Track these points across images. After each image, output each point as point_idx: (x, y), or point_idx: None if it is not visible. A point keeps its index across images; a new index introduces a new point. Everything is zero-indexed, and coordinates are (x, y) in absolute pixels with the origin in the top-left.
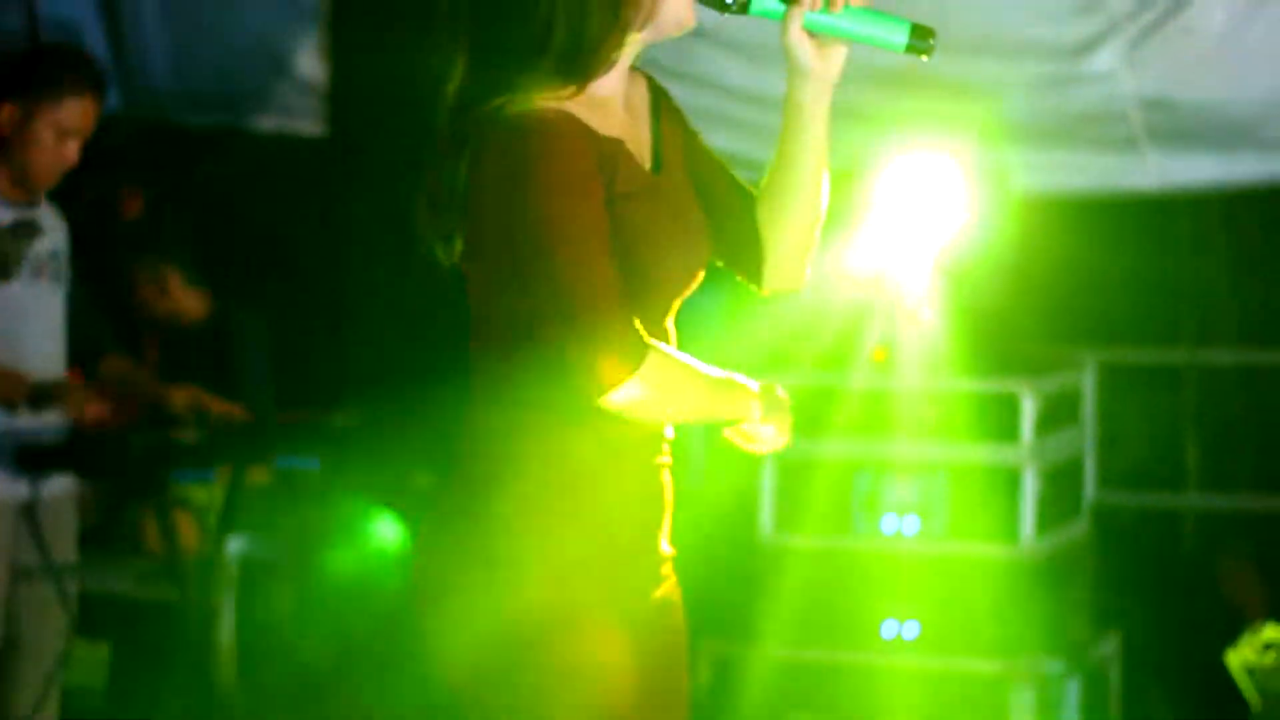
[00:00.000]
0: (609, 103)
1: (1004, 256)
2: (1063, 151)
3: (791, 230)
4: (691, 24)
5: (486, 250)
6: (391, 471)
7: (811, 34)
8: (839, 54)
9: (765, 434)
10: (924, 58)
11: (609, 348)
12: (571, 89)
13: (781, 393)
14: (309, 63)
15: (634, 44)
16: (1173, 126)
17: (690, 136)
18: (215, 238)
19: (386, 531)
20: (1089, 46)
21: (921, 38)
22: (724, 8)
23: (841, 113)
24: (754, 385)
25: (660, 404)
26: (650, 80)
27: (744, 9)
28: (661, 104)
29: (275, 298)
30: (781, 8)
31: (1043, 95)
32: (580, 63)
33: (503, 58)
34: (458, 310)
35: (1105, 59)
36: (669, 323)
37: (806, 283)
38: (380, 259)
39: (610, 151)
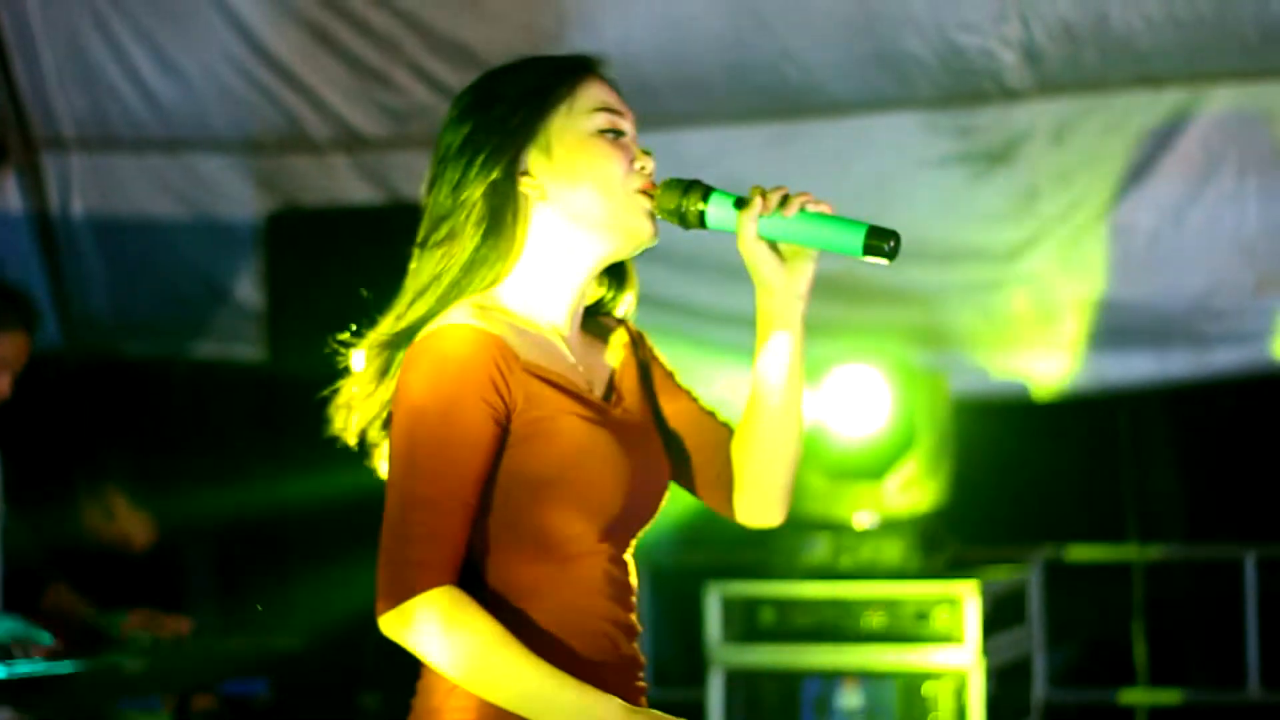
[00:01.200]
0: (551, 320)
1: (945, 459)
2: (999, 354)
3: (767, 458)
4: (646, 233)
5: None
6: (339, 694)
7: (770, 243)
8: (807, 264)
9: None
10: (886, 261)
11: (395, 569)
12: (494, 283)
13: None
14: (246, 289)
15: (575, 253)
16: (1106, 326)
17: (665, 376)
18: (158, 465)
19: None
20: (1022, 249)
21: (881, 240)
22: (684, 223)
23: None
24: (601, 702)
25: (443, 655)
26: (628, 327)
27: (702, 223)
28: (638, 347)
29: (219, 523)
30: (735, 219)
31: (978, 299)
32: (490, 233)
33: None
34: None
35: (1038, 261)
36: (627, 556)
37: (784, 516)
38: (322, 480)
39: (530, 374)
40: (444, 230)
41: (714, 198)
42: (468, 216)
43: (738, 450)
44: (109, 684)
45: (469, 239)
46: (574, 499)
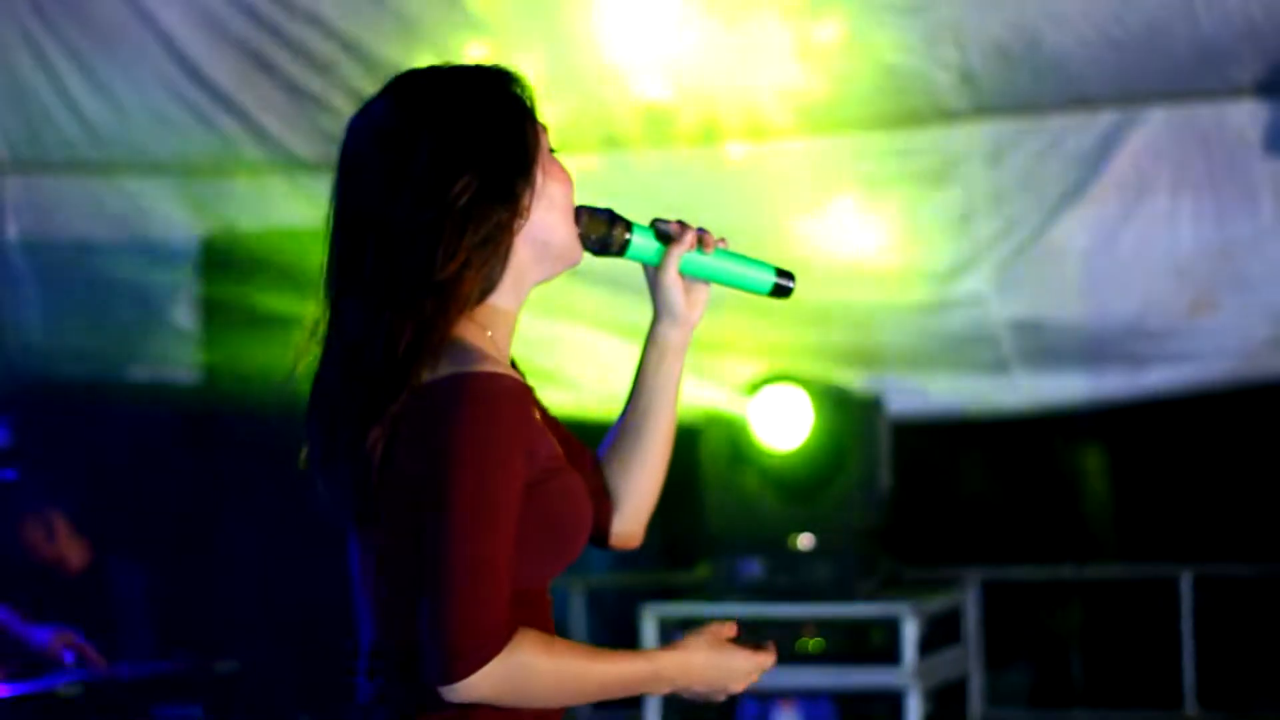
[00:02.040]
0: (506, 348)
1: (881, 480)
2: (936, 374)
3: (645, 478)
4: (580, 259)
5: (388, 518)
6: (276, 716)
7: (681, 276)
8: (703, 297)
9: (704, 693)
10: (783, 300)
11: (466, 639)
12: (478, 304)
13: (702, 653)
14: (182, 312)
15: (532, 272)
16: (1041, 347)
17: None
18: (91, 487)
19: None
20: (957, 271)
21: (786, 279)
22: (603, 250)
23: (714, 344)
24: (659, 662)
25: (526, 697)
26: None
27: (623, 251)
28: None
29: (152, 546)
30: (657, 250)
31: (914, 319)
32: (487, 263)
33: (400, 282)
34: (334, 555)
35: (973, 282)
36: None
37: (642, 538)
38: (256, 505)
39: (540, 424)
40: (440, 253)
41: (636, 230)
42: (482, 243)
43: (621, 474)
44: (44, 710)
45: (474, 265)
46: (567, 549)
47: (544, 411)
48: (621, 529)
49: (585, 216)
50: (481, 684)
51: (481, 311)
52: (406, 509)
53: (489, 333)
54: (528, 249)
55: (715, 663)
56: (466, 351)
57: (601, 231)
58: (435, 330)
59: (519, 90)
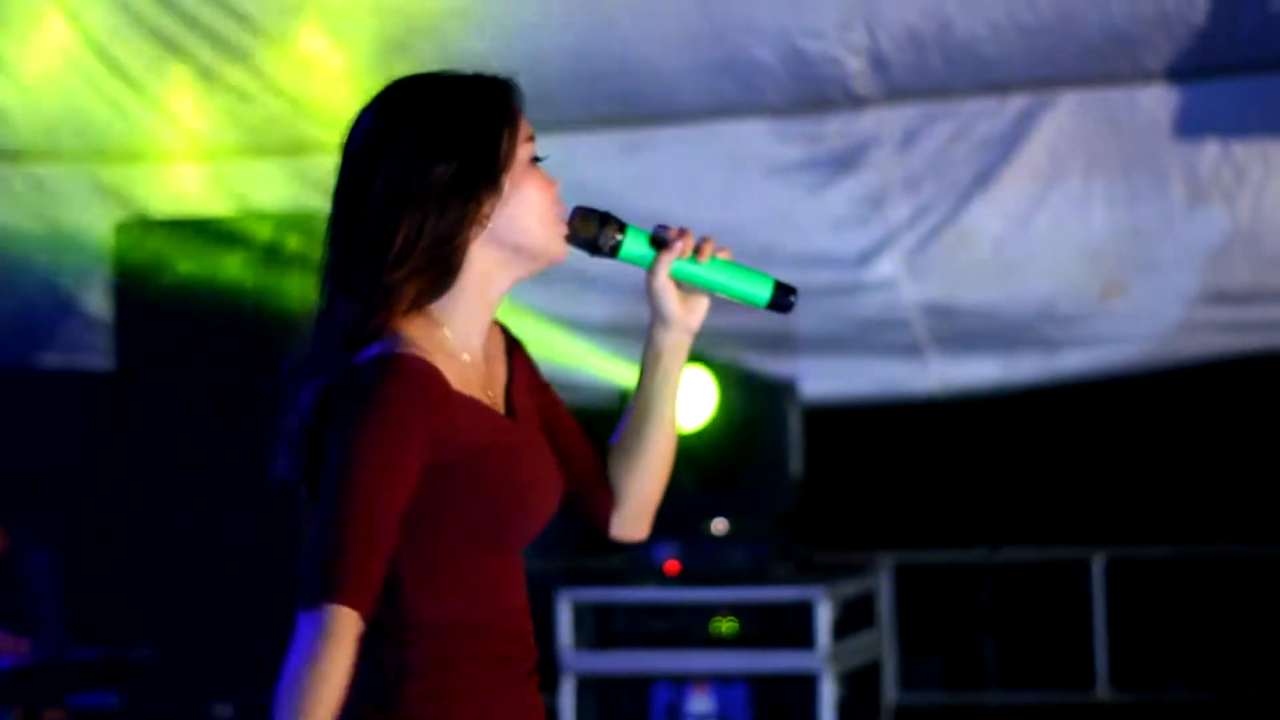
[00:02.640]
0: (470, 343)
1: (793, 464)
2: (848, 359)
3: (646, 475)
4: (563, 257)
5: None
6: (192, 703)
7: (676, 282)
8: (701, 304)
9: None
10: (784, 314)
11: (329, 588)
12: (428, 303)
13: None
14: (94, 299)
15: (501, 274)
16: (953, 331)
17: (543, 388)
18: (2, 474)
19: None
20: (869, 255)
21: (785, 294)
22: (595, 251)
23: (621, 329)
24: None
25: (305, 669)
26: (505, 330)
27: (614, 253)
28: (516, 352)
29: (65, 533)
30: (650, 254)
31: (826, 304)
32: (436, 266)
33: (356, 273)
34: (251, 539)
35: (885, 267)
36: (519, 556)
37: (646, 531)
38: (170, 490)
39: (461, 405)
40: (392, 255)
41: (629, 233)
42: (434, 246)
43: (622, 469)
44: None
45: (422, 268)
46: (499, 531)
47: (546, 393)
48: (622, 523)
49: (578, 216)
50: (308, 619)
51: (436, 309)
52: (324, 475)
53: (445, 329)
54: (494, 251)
55: None
56: (393, 339)
57: (592, 232)
58: (374, 321)
59: (509, 100)
